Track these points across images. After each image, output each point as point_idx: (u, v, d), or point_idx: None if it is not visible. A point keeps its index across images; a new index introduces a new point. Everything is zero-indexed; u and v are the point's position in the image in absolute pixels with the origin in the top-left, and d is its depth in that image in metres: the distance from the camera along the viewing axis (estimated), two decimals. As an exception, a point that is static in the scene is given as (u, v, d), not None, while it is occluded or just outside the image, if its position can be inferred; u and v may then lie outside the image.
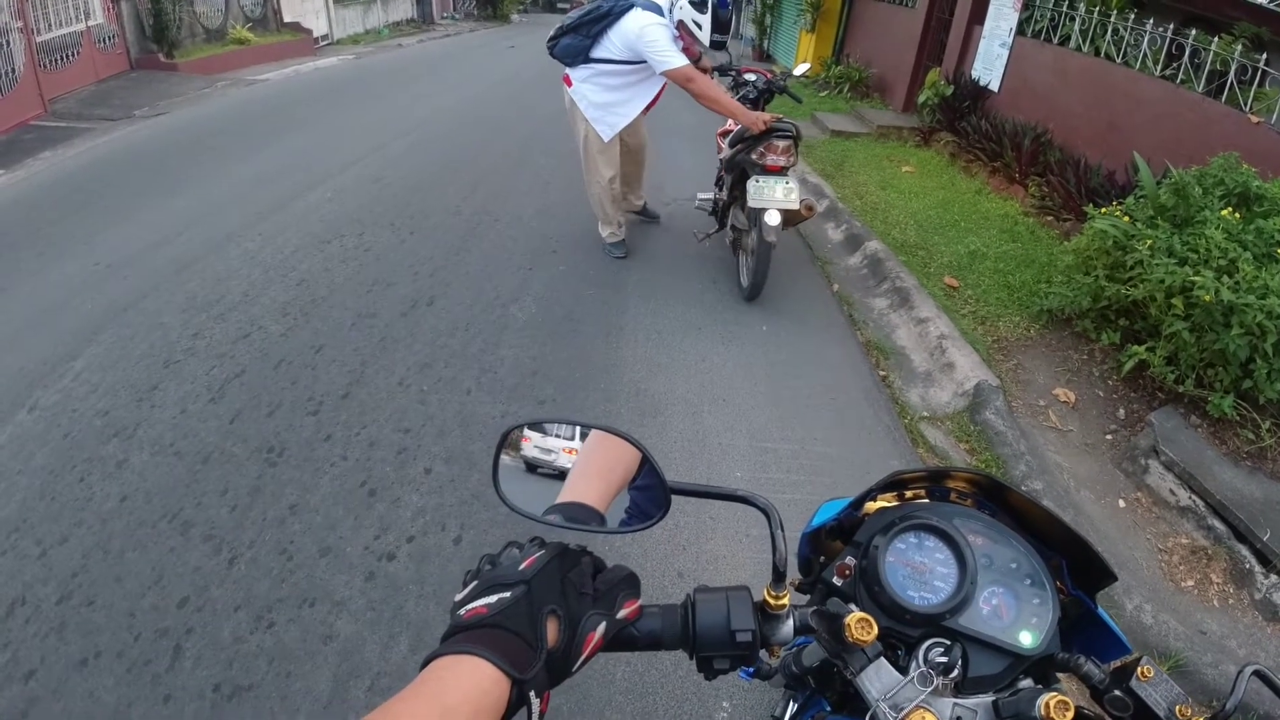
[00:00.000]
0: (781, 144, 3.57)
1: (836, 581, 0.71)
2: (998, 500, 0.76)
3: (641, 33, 3.59)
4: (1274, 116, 4.15)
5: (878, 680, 0.61)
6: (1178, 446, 2.77)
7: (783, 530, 0.67)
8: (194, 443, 2.62)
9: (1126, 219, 3.38)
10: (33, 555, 2.15)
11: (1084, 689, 0.65)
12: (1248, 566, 2.41)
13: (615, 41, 3.73)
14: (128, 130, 7.65)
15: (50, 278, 3.97)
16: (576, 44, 3.82)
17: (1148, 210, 3.39)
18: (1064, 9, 6.06)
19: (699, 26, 3.65)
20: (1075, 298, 3.52)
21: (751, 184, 3.56)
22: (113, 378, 3.01)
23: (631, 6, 3.67)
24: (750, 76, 4.16)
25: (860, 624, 0.60)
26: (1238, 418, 2.80)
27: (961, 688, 0.64)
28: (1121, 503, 2.71)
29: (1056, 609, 0.67)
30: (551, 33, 3.99)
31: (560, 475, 0.76)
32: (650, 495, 0.74)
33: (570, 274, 4.20)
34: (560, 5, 37.53)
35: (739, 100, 3.93)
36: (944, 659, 0.64)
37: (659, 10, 3.66)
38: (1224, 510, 2.55)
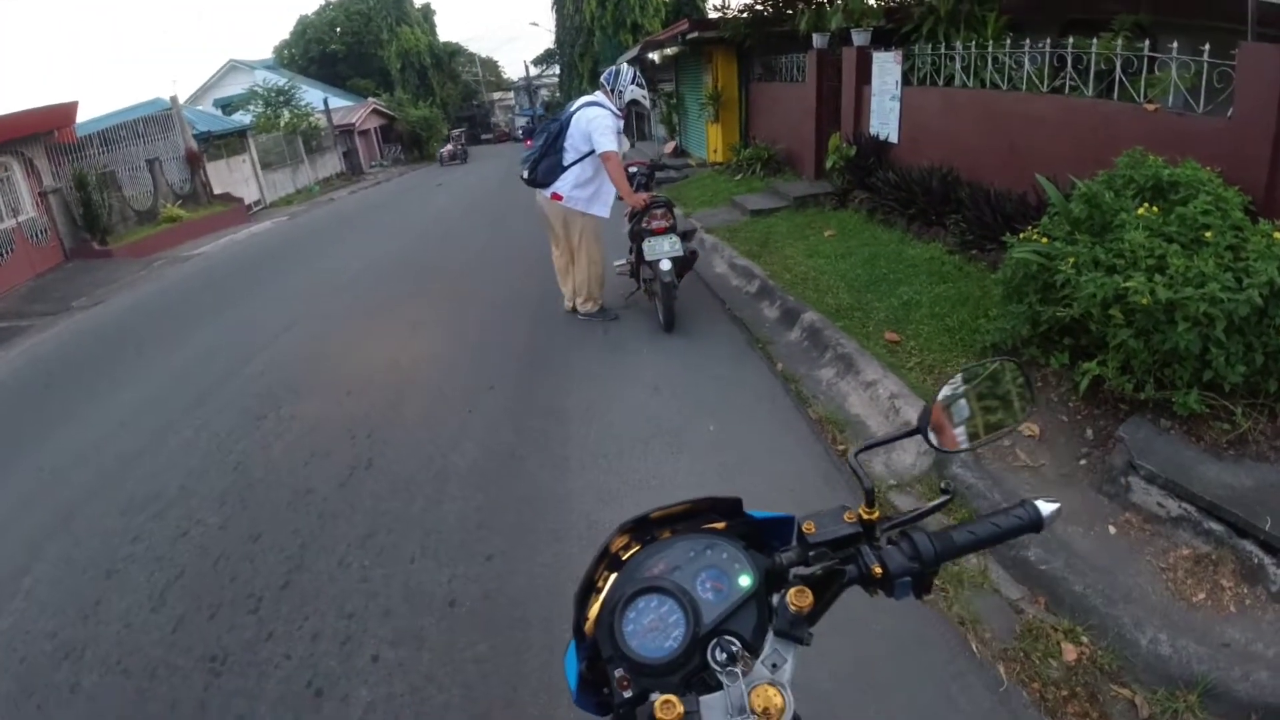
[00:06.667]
0: (659, 212, 4.80)
1: (627, 695, 0.72)
2: (726, 511, 0.88)
3: (591, 120, 4.62)
4: (1169, 99, 4.14)
5: (716, 714, 0.68)
6: (1154, 455, 2.67)
7: None
8: (139, 658, 2.48)
9: (1045, 240, 3.36)
10: (4, 795, 2.02)
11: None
12: (1256, 561, 2.28)
13: (575, 139, 4.69)
14: (67, 323, 7.66)
15: (-3, 489, 3.86)
16: (553, 161, 4.78)
17: (1064, 226, 3.38)
18: (942, 50, 6.36)
19: (645, 98, 4.87)
20: (1014, 328, 3.45)
21: (645, 244, 4.72)
22: (60, 594, 2.89)
23: (576, 110, 4.72)
24: (634, 169, 5.31)
25: (664, 706, 0.64)
26: (1207, 410, 2.72)
27: (752, 648, 0.73)
28: (1112, 529, 2.58)
29: (741, 545, 0.81)
30: (525, 170, 4.93)
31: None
32: None
33: (511, 409, 4.13)
34: (484, 137, 39.33)
35: (635, 187, 5.12)
36: (723, 653, 0.72)
37: (602, 105, 4.69)
38: (1218, 509, 2.42)
